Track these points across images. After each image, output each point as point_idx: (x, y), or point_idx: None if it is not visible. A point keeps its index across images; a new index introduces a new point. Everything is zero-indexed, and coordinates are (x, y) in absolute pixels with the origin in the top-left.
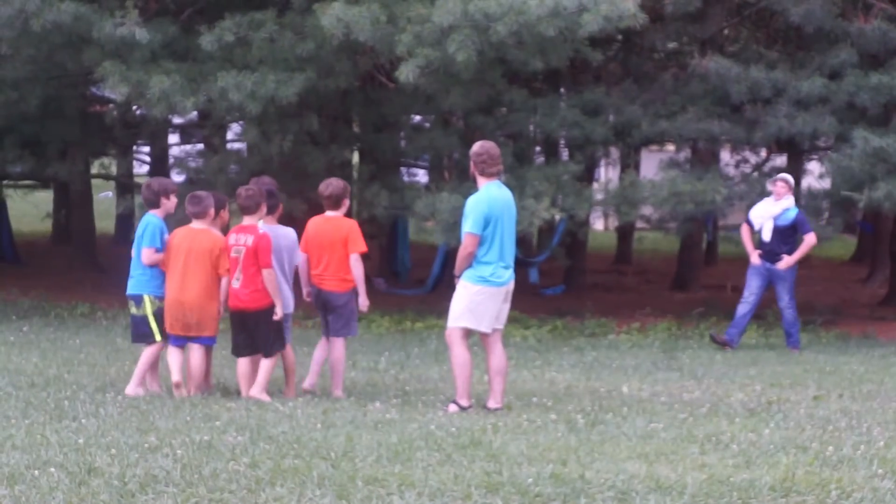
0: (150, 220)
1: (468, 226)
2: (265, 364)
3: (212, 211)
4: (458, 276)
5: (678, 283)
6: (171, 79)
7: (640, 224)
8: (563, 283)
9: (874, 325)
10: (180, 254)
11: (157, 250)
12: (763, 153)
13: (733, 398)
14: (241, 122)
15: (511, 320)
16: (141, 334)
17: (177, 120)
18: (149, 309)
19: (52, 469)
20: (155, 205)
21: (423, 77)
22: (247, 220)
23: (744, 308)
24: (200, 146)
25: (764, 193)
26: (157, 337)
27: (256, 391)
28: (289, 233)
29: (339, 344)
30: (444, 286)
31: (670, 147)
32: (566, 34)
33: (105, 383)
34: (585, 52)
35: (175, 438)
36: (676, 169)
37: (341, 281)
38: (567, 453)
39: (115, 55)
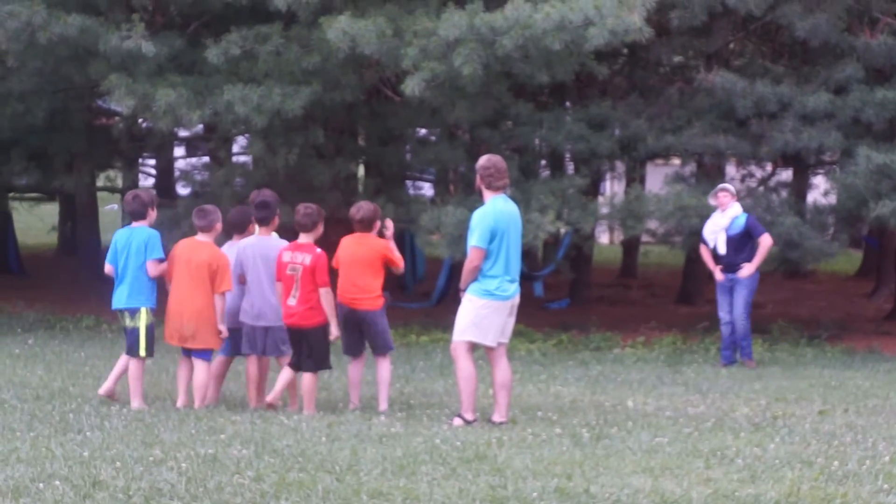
0: (150, 233)
1: (474, 239)
2: (285, 374)
3: (218, 225)
4: (464, 290)
5: (683, 297)
6: (177, 92)
7: (645, 238)
8: (569, 296)
9: (879, 340)
10: (181, 265)
11: (162, 261)
12: (769, 168)
13: (738, 413)
14: (246, 135)
15: (516, 334)
16: (130, 346)
17: (182, 133)
18: (143, 321)
19: (57, 482)
20: (142, 216)
21: (429, 90)
22: (303, 239)
23: (727, 329)
24: (206, 159)
25: (770, 208)
26: (143, 353)
27: (306, 407)
28: (283, 245)
29: (386, 362)
30: (449, 300)
31: (676, 161)
32: (572, 48)
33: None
34: (591, 66)
35: (180, 451)
36: (682, 183)
37: (376, 298)
38: (572, 467)
39: (122, 68)
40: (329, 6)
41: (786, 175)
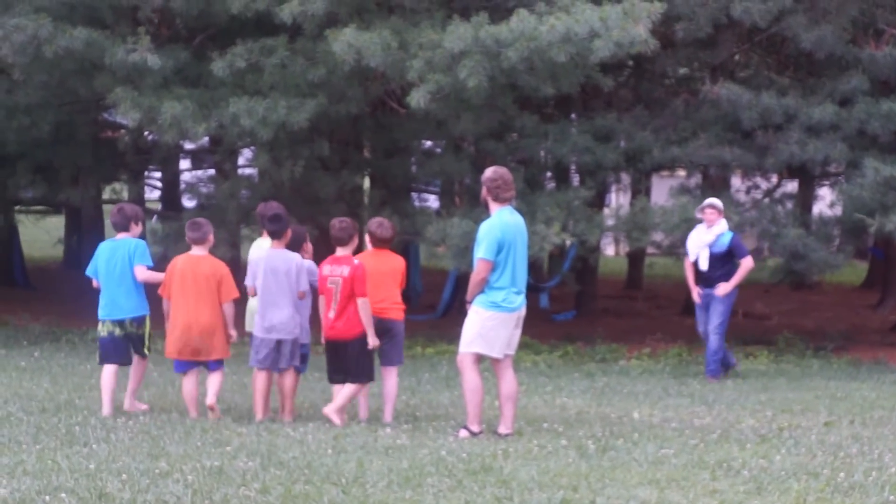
0: (136, 242)
1: (481, 251)
2: (349, 389)
3: (211, 237)
4: (470, 302)
5: (689, 308)
6: (182, 104)
7: (650, 250)
8: (574, 308)
9: (885, 351)
10: (185, 281)
11: (150, 268)
12: (774, 179)
13: (744, 424)
14: (252, 148)
15: (522, 346)
16: (124, 353)
17: (188, 145)
18: (148, 327)
19: (63, 495)
20: (125, 229)
21: (434, 102)
22: (340, 252)
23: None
24: (212, 172)
25: (775, 219)
26: (147, 352)
27: (332, 409)
28: (296, 257)
29: (395, 374)
30: (454, 311)
31: (681, 173)
32: (577, 60)
33: (116, 408)
34: (597, 78)
35: (186, 464)
36: (687, 195)
37: (401, 310)
38: (578, 479)
39: (127, 81)
40: (334, 19)
41: (791, 187)
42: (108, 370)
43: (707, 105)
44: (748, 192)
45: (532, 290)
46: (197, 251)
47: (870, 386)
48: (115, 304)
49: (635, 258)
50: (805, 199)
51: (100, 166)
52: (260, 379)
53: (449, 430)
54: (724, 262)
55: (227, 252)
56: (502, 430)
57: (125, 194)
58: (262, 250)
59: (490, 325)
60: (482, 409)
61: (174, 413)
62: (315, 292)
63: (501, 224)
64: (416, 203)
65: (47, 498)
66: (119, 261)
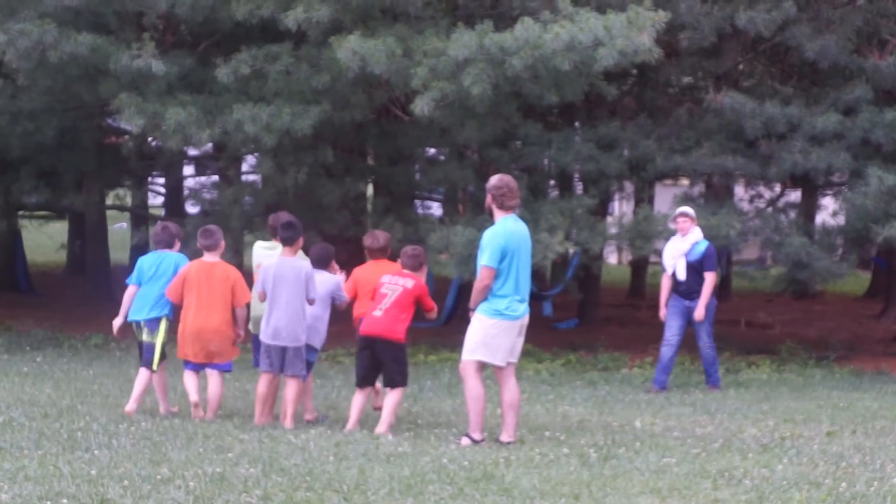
0: (179, 256)
1: (484, 259)
2: (393, 399)
3: (222, 244)
4: (473, 309)
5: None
6: (186, 111)
7: (654, 258)
8: (577, 316)
9: (888, 361)
10: (201, 286)
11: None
12: (777, 188)
13: (746, 433)
14: (256, 154)
15: (524, 354)
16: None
17: (192, 152)
18: (162, 333)
19: (65, 500)
20: (169, 246)
21: (438, 110)
22: (405, 271)
23: (668, 351)
24: (215, 178)
25: (778, 228)
26: (156, 367)
27: (383, 428)
28: (305, 265)
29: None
30: (457, 319)
31: (685, 181)
32: (581, 68)
33: (118, 414)
34: (600, 87)
35: (187, 470)
36: (690, 203)
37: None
38: (580, 488)
39: (132, 87)
40: (339, 26)
41: (794, 196)
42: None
43: (711, 114)
44: (751, 201)
45: (535, 299)
46: (209, 257)
47: (872, 396)
48: (140, 307)
49: (638, 267)
50: (808, 208)
51: (103, 172)
52: (263, 383)
53: (451, 437)
54: (701, 271)
55: (230, 258)
56: (504, 438)
57: (129, 200)
58: (269, 256)
59: (493, 332)
60: (484, 416)
61: (176, 419)
62: (332, 304)
63: (505, 232)
64: (420, 210)
65: (49, 503)
66: (164, 272)
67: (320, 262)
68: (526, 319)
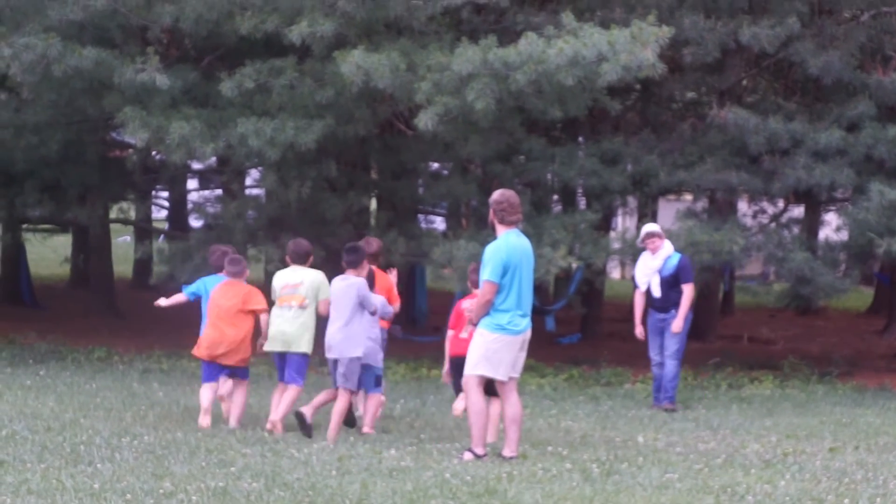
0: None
1: (486, 273)
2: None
3: (247, 272)
4: (476, 324)
5: (694, 332)
6: (190, 124)
7: None
8: (580, 331)
9: (891, 377)
10: (218, 307)
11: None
12: (781, 204)
13: (749, 449)
14: (259, 168)
15: (527, 368)
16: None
17: (196, 165)
18: None
19: None
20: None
21: (442, 125)
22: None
23: (658, 370)
24: (219, 192)
25: (781, 244)
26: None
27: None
28: (359, 282)
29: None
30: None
31: (688, 197)
32: (585, 83)
33: (121, 428)
34: (604, 102)
35: (190, 484)
36: (694, 219)
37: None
38: (582, 503)
39: (136, 101)
40: (343, 40)
41: (797, 211)
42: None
43: (714, 129)
44: (755, 216)
45: (537, 313)
46: (232, 279)
47: (875, 412)
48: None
49: None
50: (811, 223)
51: (107, 185)
52: (338, 398)
53: (453, 452)
54: (675, 285)
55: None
56: (506, 452)
57: (132, 213)
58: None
59: (495, 347)
60: (487, 431)
61: (179, 433)
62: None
63: (507, 246)
64: (423, 225)
65: None
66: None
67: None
68: (528, 334)
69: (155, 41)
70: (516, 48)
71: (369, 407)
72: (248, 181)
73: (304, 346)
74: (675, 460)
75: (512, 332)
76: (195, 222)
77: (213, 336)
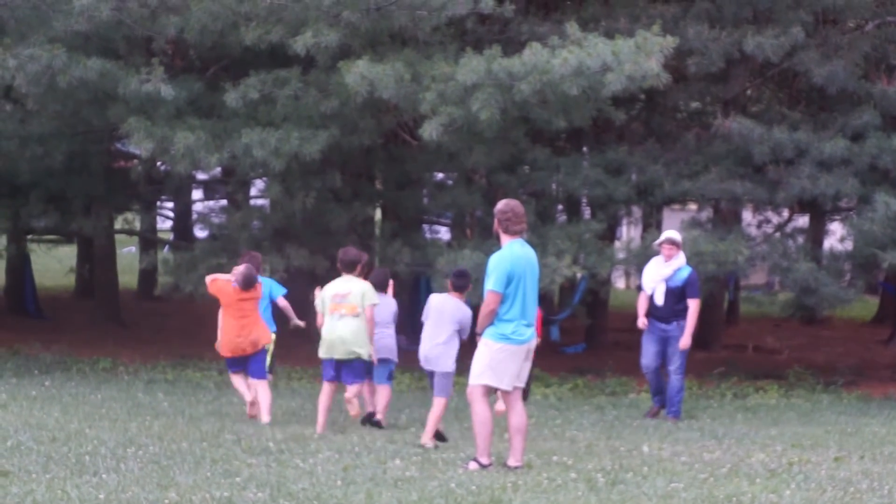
0: (273, 280)
1: (490, 283)
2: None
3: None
4: (480, 334)
5: (699, 342)
6: (195, 135)
7: None
8: (584, 341)
9: None
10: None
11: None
12: (785, 214)
13: (754, 459)
14: (264, 179)
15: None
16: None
17: (201, 176)
18: (271, 346)
19: None
20: (258, 271)
21: (447, 135)
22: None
23: (651, 376)
24: (224, 202)
25: (786, 254)
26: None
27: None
28: (462, 305)
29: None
30: (465, 344)
31: (692, 206)
32: (589, 93)
33: (126, 438)
34: (608, 112)
35: (195, 495)
36: (698, 228)
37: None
38: None
39: (141, 111)
40: (347, 51)
41: (802, 221)
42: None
43: (719, 139)
44: (759, 226)
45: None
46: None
47: (880, 421)
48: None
49: None
50: (816, 233)
51: (112, 196)
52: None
53: (458, 462)
54: (680, 298)
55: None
56: (512, 462)
57: (137, 224)
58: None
59: (500, 357)
60: (492, 441)
61: (184, 443)
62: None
63: (511, 256)
64: (428, 235)
65: None
66: (263, 295)
67: (379, 286)
68: (533, 344)
69: (160, 52)
70: (521, 58)
71: (380, 398)
72: (253, 191)
73: (364, 351)
74: (681, 470)
75: (516, 342)
76: (200, 233)
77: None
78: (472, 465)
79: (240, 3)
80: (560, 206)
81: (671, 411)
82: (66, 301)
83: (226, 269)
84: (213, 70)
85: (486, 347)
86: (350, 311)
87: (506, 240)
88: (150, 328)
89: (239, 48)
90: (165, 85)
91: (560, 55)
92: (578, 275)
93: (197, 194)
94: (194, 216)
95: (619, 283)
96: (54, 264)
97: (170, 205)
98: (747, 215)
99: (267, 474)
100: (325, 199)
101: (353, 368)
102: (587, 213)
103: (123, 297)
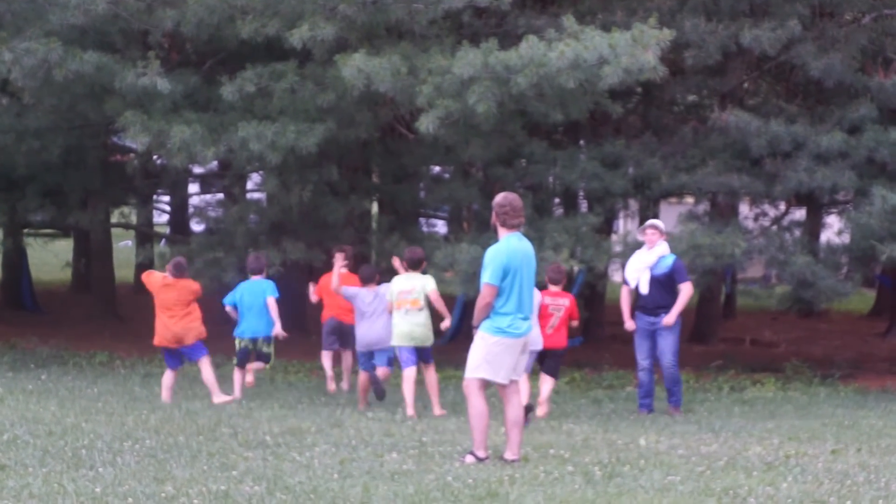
0: (270, 282)
1: (487, 276)
2: (548, 385)
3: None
4: (477, 327)
5: (697, 335)
6: (191, 129)
7: None
8: (582, 334)
9: (893, 380)
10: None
11: (277, 300)
12: (782, 207)
13: (751, 452)
14: (261, 172)
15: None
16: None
17: (197, 170)
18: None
19: None
20: (260, 272)
21: (443, 128)
22: (554, 289)
23: (645, 375)
24: (220, 196)
25: (783, 247)
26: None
27: (543, 411)
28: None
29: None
30: (461, 337)
31: (690, 200)
32: (586, 86)
33: (123, 432)
34: (605, 105)
35: (192, 488)
36: (696, 222)
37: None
38: None
39: (137, 105)
40: (344, 44)
41: (799, 214)
42: (238, 371)
43: (716, 132)
44: (756, 219)
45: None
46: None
47: (877, 414)
48: (251, 328)
49: None
50: (813, 226)
51: (109, 190)
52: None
53: (455, 455)
54: (666, 287)
55: (235, 277)
56: (508, 455)
57: (134, 218)
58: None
59: (496, 350)
60: (488, 434)
61: (181, 437)
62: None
63: (508, 249)
64: (425, 228)
65: None
66: (258, 295)
67: (368, 280)
68: (530, 337)
69: (156, 45)
70: (517, 51)
71: (379, 376)
72: (250, 185)
73: (430, 339)
74: (677, 463)
75: (513, 336)
76: (196, 226)
77: None
78: (469, 459)
79: None
80: (557, 200)
81: (672, 401)
82: (63, 295)
83: (222, 262)
84: (209, 63)
85: (483, 341)
86: (414, 305)
87: (503, 233)
88: (147, 322)
89: (235, 41)
90: (162, 79)
91: (557, 48)
92: (575, 268)
93: (193, 188)
94: (191, 210)
95: (616, 276)
96: (51, 258)
97: (166, 199)
98: (744, 208)
99: (263, 468)
100: (321, 193)
101: (426, 352)
102: (584, 206)
103: (120, 291)
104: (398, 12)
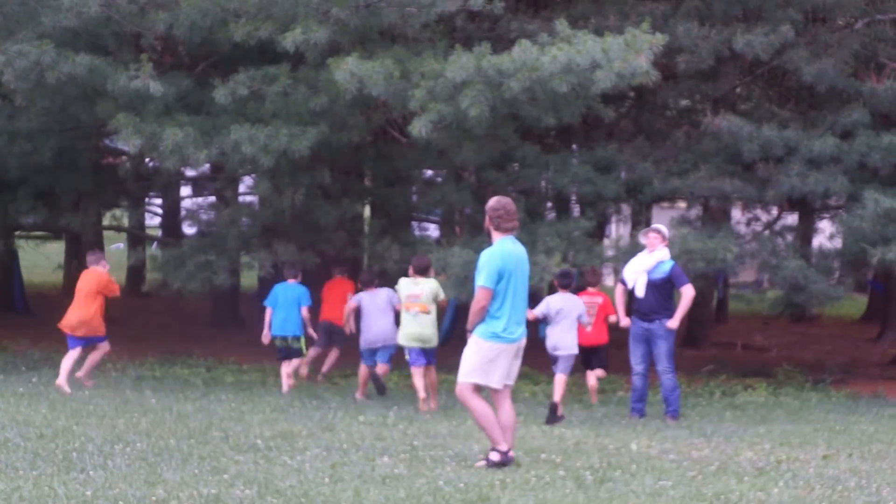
0: (303, 288)
1: (481, 279)
2: (596, 378)
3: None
4: (471, 331)
5: (688, 340)
6: (184, 131)
7: None
8: None
9: (884, 385)
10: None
11: (310, 308)
12: (775, 211)
13: (742, 457)
14: (253, 175)
15: (521, 376)
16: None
17: (189, 172)
18: (304, 340)
19: None
20: (295, 277)
21: (436, 132)
22: (590, 290)
23: (639, 380)
24: (212, 199)
25: (775, 251)
26: (305, 352)
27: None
28: (580, 302)
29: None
30: (454, 341)
31: (682, 204)
32: (579, 91)
33: (113, 435)
34: (598, 109)
35: (183, 491)
36: (688, 226)
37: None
38: None
39: (129, 108)
40: (337, 48)
41: (791, 219)
42: (283, 364)
43: (708, 137)
44: (748, 224)
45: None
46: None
47: (868, 419)
48: (285, 325)
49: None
50: (805, 231)
51: (101, 192)
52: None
53: (447, 459)
54: (662, 293)
55: (226, 279)
56: None
57: (125, 220)
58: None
59: (490, 355)
60: (498, 429)
61: (171, 440)
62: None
63: (502, 253)
64: (417, 232)
65: None
66: (292, 298)
67: (368, 283)
68: (523, 342)
69: (149, 48)
70: (510, 55)
71: (379, 372)
72: (242, 188)
73: (435, 341)
74: (669, 468)
75: (507, 340)
76: (188, 229)
77: None
78: (494, 456)
79: (229, 0)
80: (549, 204)
81: (669, 412)
82: (54, 298)
83: (214, 265)
84: (202, 66)
85: (477, 345)
86: (422, 308)
87: (497, 237)
88: (138, 325)
89: (228, 45)
90: (154, 81)
91: (549, 52)
92: None
93: (185, 191)
94: (183, 213)
95: (609, 280)
96: (42, 261)
97: (158, 201)
98: (737, 213)
99: (255, 471)
100: (314, 196)
101: (431, 353)
102: (576, 210)
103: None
104: (391, 16)
